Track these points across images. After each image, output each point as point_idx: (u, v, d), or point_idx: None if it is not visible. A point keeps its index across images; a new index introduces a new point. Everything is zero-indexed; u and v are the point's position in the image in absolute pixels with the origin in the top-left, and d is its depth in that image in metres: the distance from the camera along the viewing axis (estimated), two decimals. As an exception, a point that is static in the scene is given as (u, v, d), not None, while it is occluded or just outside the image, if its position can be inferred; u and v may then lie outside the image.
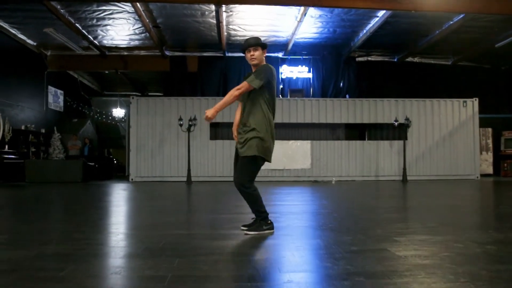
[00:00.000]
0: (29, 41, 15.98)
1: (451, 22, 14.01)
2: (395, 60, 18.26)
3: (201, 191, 10.03)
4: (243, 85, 3.87)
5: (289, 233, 4.07)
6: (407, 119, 14.39)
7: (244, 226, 4.10)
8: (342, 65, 17.61)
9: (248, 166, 3.89)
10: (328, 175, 14.99)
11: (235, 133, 4.14)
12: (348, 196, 8.99)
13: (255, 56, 3.94)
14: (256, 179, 3.95)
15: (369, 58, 18.10)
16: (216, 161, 14.88)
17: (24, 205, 7.19)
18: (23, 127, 15.38)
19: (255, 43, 3.98)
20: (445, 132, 15.57)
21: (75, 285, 2.35)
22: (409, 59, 18.10)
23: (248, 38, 4.04)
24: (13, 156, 13.96)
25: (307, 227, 4.57)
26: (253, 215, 4.06)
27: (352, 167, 15.27)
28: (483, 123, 16.43)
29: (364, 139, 15.77)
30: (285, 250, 3.32)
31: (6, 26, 14.33)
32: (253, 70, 4.00)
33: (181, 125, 13.58)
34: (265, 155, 3.91)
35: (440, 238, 3.75)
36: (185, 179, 13.70)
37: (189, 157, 13.60)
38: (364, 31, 15.03)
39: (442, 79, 18.10)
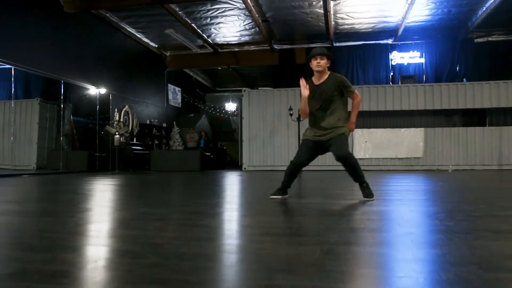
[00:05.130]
0: (151, 43, 17.55)
1: None
2: (521, 38, 16.64)
3: (308, 177, 10.24)
4: (358, 96, 4.50)
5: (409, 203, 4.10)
6: (535, 101, 13.11)
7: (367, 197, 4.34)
8: (458, 48, 16.54)
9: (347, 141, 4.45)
10: (443, 163, 14.25)
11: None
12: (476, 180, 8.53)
13: (321, 64, 4.37)
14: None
15: (490, 38, 16.71)
16: (326, 150, 14.93)
17: (170, 183, 8.02)
18: (147, 122, 16.97)
19: (322, 52, 4.42)
20: None
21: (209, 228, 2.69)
22: (539, 36, 16.37)
23: (315, 48, 4.51)
24: (140, 148, 15.47)
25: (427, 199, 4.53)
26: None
27: (471, 155, 14.31)
28: None
29: (485, 125, 14.68)
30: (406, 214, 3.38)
31: (133, 31, 15.93)
32: (316, 82, 4.46)
33: (291, 114, 13.92)
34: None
35: None
36: (295, 168, 14.01)
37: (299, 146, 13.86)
38: (484, 8, 13.94)
39: None
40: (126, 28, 15.52)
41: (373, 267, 1.76)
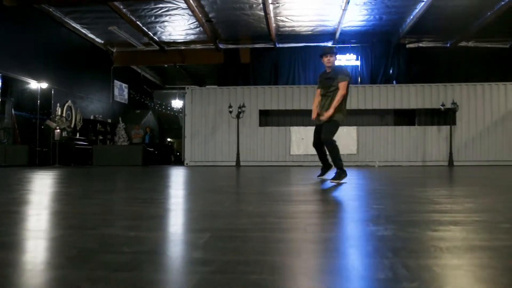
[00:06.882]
0: (97, 39, 17.68)
1: (503, 3, 13.71)
2: (448, 45, 18.00)
3: (247, 170, 10.84)
4: (344, 86, 5.25)
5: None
6: (454, 103, 14.33)
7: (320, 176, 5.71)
8: (392, 52, 17.70)
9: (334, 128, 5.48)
10: (373, 160, 15.30)
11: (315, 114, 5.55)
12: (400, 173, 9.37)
13: (331, 61, 5.22)
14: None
15: (420, 44, 17.99)
16: (265, 146, 15.65)
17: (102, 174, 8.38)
18: (92, 117, 17.10)
19: (331, 51, 5.32)
20: (497, 117, 15.24)
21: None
22: (463, 43, 17.74)
23: (326, 47, 5.31)
24: (83, 143, 15.59)
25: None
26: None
27: (399, 152, 15.45)
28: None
29: (414, 125, 15.85)
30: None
31: (78, 27, 16.04)
32: (328, 71, 5.36)
33: (230, 112, 14.50)
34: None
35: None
36: (235, 163, 14.64)
37: (238, 142, 14.52)
38: (411, 17, 15.09)
39: (498, 63, 17.58)
40: (71, 23, 15.61)
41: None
